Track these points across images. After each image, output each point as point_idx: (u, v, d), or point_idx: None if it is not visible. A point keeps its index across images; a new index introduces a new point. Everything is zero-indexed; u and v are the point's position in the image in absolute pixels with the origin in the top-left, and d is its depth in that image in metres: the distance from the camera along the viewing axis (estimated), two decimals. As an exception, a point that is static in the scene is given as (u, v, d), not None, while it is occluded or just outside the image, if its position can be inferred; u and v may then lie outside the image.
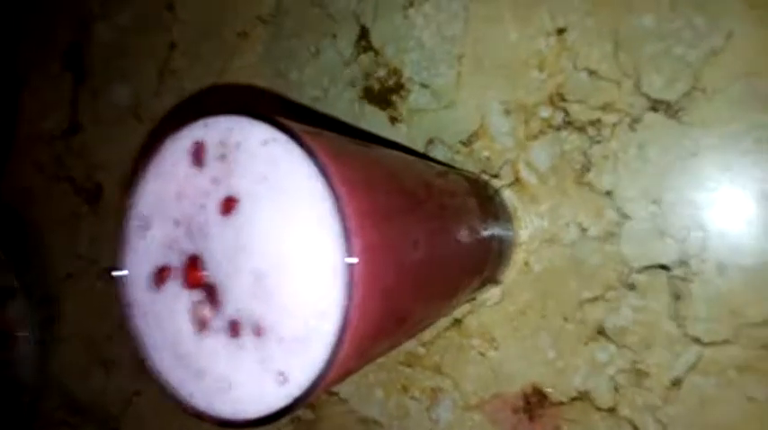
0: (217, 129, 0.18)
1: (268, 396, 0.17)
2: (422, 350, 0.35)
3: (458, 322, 0.34)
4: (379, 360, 0.35)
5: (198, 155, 0.19)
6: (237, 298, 0.18)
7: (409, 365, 0.35)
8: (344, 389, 0.37)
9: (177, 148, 0.19)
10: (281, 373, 0.17)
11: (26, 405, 0.50)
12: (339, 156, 0.17)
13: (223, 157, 0.18)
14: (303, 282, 0.17)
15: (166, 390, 0.19)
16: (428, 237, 0.21)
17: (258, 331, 0.17)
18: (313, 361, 0.16)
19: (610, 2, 0.29)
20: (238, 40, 0.41)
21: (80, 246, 0.49)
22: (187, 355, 0.19)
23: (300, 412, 0.39)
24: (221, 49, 0.42)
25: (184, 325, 0.19)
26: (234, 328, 0.18)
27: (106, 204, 0.48)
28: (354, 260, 0.16)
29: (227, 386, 0.18)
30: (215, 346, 0.18)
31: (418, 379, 0.35)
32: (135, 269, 0.20)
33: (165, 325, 0.19)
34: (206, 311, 0.18)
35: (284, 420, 0.38)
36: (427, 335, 0.34)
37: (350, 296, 0.16)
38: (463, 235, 0.25)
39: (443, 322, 0.34)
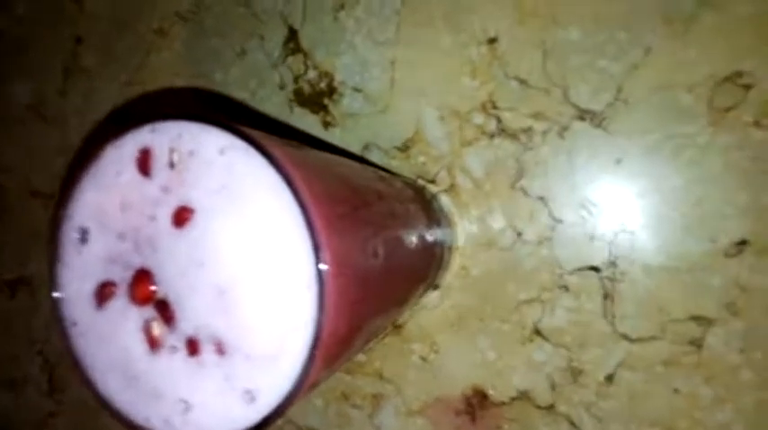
0: (166, 135, 0.17)
1: (234, 416, 0.16)
2: (362, 357, 0.34)
3: (398, 327, 0.34)
4: (316, 369, 0.35)
5: (144, 163, 0.17)
6: (195, 314, 0.17)
7: (349, 372, 0.35)
8: (279, 400, 0.36)
9: (121, 155, 0.17)
10: (248, 392, 0.16)
11: None
12: (302, 166, 0.17)
13: (173, 166, 0.17)
14: (271, 297, 0.16)
15: (118, 415, 0.17)
16: (385, 245, 0.21)
17: (221, 349, 0.16)
18: (284, 377, 0.16)
19: (538, 13, 0.30)
20: (155, 37, 0.39)
21: (-25, 259, 0.45)
22: (139, 376, 0.17)
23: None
24: (135, 46, 0.40)
25: (135, 344, 0.17)
26: (192, 346, 0.17)
27: (10, 210, 0.44)
28: (326, 271, 0.15)
29: (186, 407, 0.17)
30: (171, 366, 0.17)
31: (359, 386, 0.35)
32: (73, 286, 0.18)
33: (112, 345, 0.18)
34: (159, 329, 0.17)
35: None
36: (365, 341, 0.34)
37: (322, 309, 0.15)
38: (412, 241, 0.25)
39: (381, 328, 0.34)
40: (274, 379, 0.16)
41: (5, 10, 0.43)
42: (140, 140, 0.17)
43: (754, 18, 0.27)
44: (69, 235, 0.18)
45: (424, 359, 0.33)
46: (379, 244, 0.20)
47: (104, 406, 0.18)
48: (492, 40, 0.31)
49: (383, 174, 0.27)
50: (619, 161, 0.30)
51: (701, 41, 0.28)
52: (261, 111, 0.36)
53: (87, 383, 0.18)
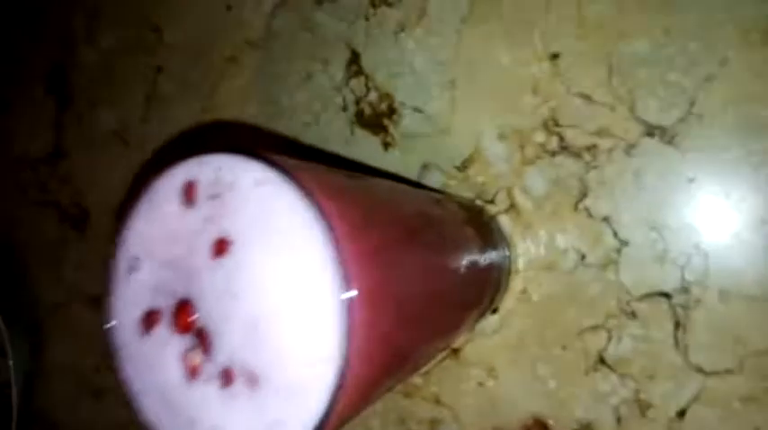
0: (210, 167, 0.18)
1: (263, 448, 0.16)
2: (419, 380, 0.34)
3: (456, 351, 0.33)
4: (375, 390, 0.35)
5: (189, 194, 0.18)
6: (230, 344, 0.17)
7: (406, 395, 0.34)
8: (339, 420, 0.36)
9: (168, 187, 0.18)
10: (278, 422, 0.16)
11: (10, 438, 0.49)
12: (336, 196, 0.17)
13: (215, 197, 0.17)
14: (299, 329, 0.16)
15: (157, 441, 0.18)
16: (428, 272, 0.21)
17: (252, 380, 0.17)
18: (310, 410, 0.16)
19: (602, 27, 0.29)
20: (227, 65, 0.41)
21: (66, 274, 0.48)
22: (177, 404, 0.18)
23: (294, 444, 0.38)
24: (209, 74, 0.42)
25: (174, 372, 0.18)
26: (227, 376, 0.17)
27: (93, 230, 0.47)
28: (353, 303, 0.15)
29: (219, 436, 0.17)
30: (206, 395, 0.17)
31: (416, 410, 0.34)
32: (123, 312, 0.19)
33: (155, 371, 0.18)
34: (197, 358, 0.18)
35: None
36: (424, 364, 0.34)
37: (349, 342, 0.15)
38: (463, 266, 0.24)
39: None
40: (302, 411, 0.16)
41: (92, 43, 0.46)
42: (187, 172, 0.18)
43: None
44: (122, 262, 0.19)
45: (481, 385, 0.32)
46: (423, 273, 0.20)
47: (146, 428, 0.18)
48: (554, 56, 0.30)
49: (436, 196, 0.27)
50: (692, 180, 0.28)
51: (784, 50, 0.26)
52: (320, 140, 0.36)
53: (133, 405, 0.19)
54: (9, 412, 0.49)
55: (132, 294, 0.19)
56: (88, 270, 0.47)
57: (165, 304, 0.18)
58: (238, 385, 0.17)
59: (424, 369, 0.34)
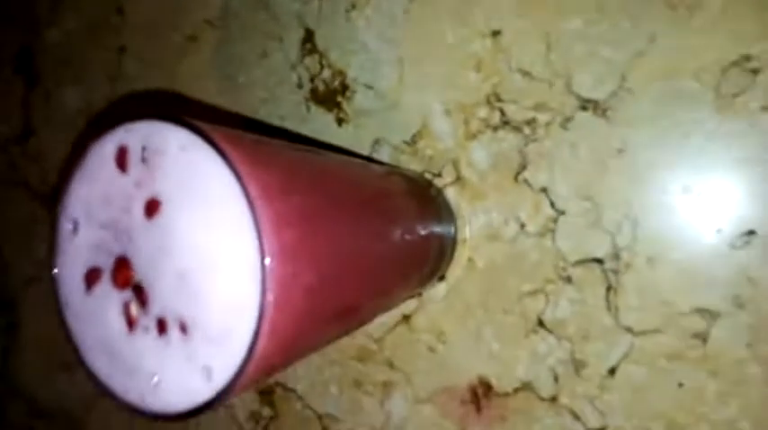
0: (138, 134, 0.19)
1: (195, 391, 0.18)
2: (374, 346, 0.35)
3: (407, 318, 0.34)
4: (333, 356, 0.36)
5: (122, 159, 0.19)
6: (163, 297, 0.18)
7: (361, 360, 0.36)
8: (300, 386, 0.38)
9: (103, 153, 0.19)
10: (207, 368, 0.18)
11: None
12: (255, 161, 0.18)
13: (145, 161, 0.19)
14: (223, 281, 0.17)
15: (103, 388, 0.19)
16: (357, 235, 0.22)
17: (184, 328, 0.18)
18: (234, 356, 0.17)
19: (541, 4, 0.30)
20: (188, 44, 0.41)
21: (37, 250, 0.49)
22: (119, 354, 0.19)
23: (260, 409, 0.40)
24: (170, 53, 0.42)
25: (116, 324, 0.19)
26: (161, 326, 0.18)
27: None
28: (268, 258, 0.17)
29: (156, 382, 0.18)
30: (145, 344, 0.19)
31: (370, 373, 0.36)
32: (67, 271, 0.20)
33: (98, 325, 0.20)
34: (135, 311, 0.19)
35: (242, 417, 0.39)
36: (378, 331, 0.35)
37: (265, 293, 0.17)
38: (397, 234, 0.25)
39: (393, 319, 0.35)
40: (227, 357, 0.17)
41: (57, 25, 0.47)
42: (119, 139, 0.19)
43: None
44: (64, 225, 0.20)
45: (431, 349, 0.34)
46: (350, 236, 0.21)
47: (92, 379, 0.20)
48: (496, 33, 0.32)
49: (376, 168, 0.28)
50: (622, 151, 0.29)
51: (707, 26, 0.27)
52: (275, 116, 0.37)
53: (80, 360, 0.20)
54: (-16, 387, 0.50)
55: (75, 254, 0.20)
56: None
57: (105, 262, 0.19)
58: (172, 333, 0.18)
59: (378, 334, 0.35)
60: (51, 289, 0.21)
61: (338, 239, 0.21)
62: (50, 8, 0.48)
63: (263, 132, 0.33)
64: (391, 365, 0.35)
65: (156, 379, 0.19)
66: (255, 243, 0.17)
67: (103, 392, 0.20)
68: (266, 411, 0.39)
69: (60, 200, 0.20)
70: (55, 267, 0.21)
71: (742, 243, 0.27)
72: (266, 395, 0.39)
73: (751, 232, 0.27)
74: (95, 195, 0.20)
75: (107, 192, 0.19)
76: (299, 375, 0.38)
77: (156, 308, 0.18)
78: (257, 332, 0.17)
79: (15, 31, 0.50)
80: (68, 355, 0.48)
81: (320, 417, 0.37)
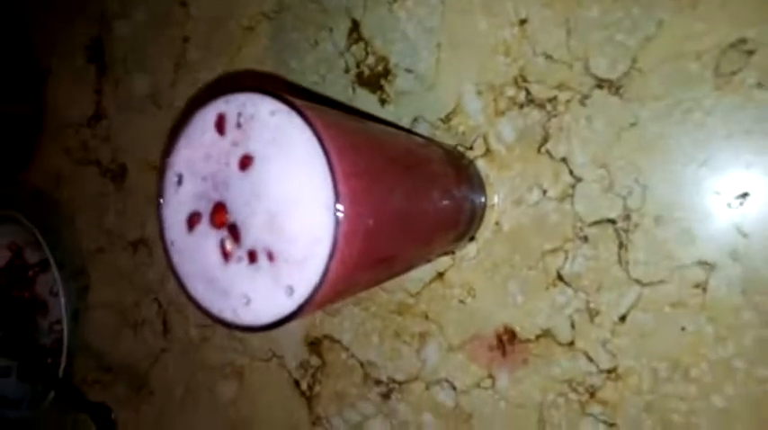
0: (235, 103, 0.24)
1: (280, 305, 0.23)
2: (411, 300, 0.40)
3: (441, 275, 0.39)
4: (374, 309, 0.41)
5: (220, 124, 0.24)
6: (254, 233, 0.23)
7: (400, 314, 0.41)
8: (345, 337, 0.43)
9: (204, 119, 0.24)
10: (289, 287, 0.22)
11: (62, 367, 0.56)
12: (331, 125, 0.23)
13: (240, 126, 0.24)
14: (305, 219, 0.22)
15: (202, 309, 0.24)
16: (404, 191, 0.27)
17: (271, 256, 0.23)
18: (312, 276, 0.22)
19: (563, -4, 0.34)
20: (245, 34, 0.46)
21: (107, 222, 0.55)
22: (216, 280, 0.24)
23: (309, 358, 0.45)
24: (230, 42, 0.47)
25: (213, 257, 0.24)
26: (252, 256, 0.23)
27: (130, 183, 0.53)
28: (339, 203, 0.21)
29: (248, 301, 0.23)
30: (238, 271, 0.23)
31: (408, 325, 0.40)
32: (172, 216, 0.25)
33: (198, 258, 0.25)
34: (229, 245, 0.24)
35: (292, 366, 0.44)
36: (415, 286, 0.40)
37: (338, 227, 0.21)
38: (436, 194, 0.30)
39: (428, 275, 0.39)
40: (306, 277, 0.22)
41: (127, 18, 0.52)
42: (218, 108, 0.24)
43: (756, -11, 0.30)
44: (170, 179, 0.25)
45: (462, 302, 0.38)
46: (398, 189, 0.26)
47: (193, 302, 0.25)
48: (522, 22, 0.36)
49: (418, 139, 0.33)
50: (633, 124, 0.33)
51: (708, 13, 0.31)
52: (327, 96, 0.42)
53: (183, 289, 0.25)
54: (61, 345, 0.56)
55: (179, 202, 0.25)
56: (126, 218, 0.54)
57: (205, 207, 0.24)
58: (261, 261, 0.23)
59: (415, 290, 0.40)
60: (158, 231, 0.26)
61: (390, 192, 0.25)
62: (120, 2, 0.54)
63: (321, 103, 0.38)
64: (426, 317, 0.40)
65: (246, 298, 0.23)
66: (330, 189, 0.21)
67: (202, 312, 0.24)
68: (314, 360, 0.44)
69: (167, 158, 0.25)
70: (160, 214, 0.26)
71: (737, 203, 0.31)
72: (314, 345, 0.44)
73: (745, 194, 0.31)
74: (197, 154, 0.24)
75: (207, 151, 0.24)
76: (345, 327, 0.43)
77: (247, 242, 0.23)
78: (330, 257, 0.21)
79: (88, 23, 0.55)
80: (134, 316, 0.54)
81: (362, 365, 0.42)
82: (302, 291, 0.22)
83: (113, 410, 0.54)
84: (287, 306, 0.22)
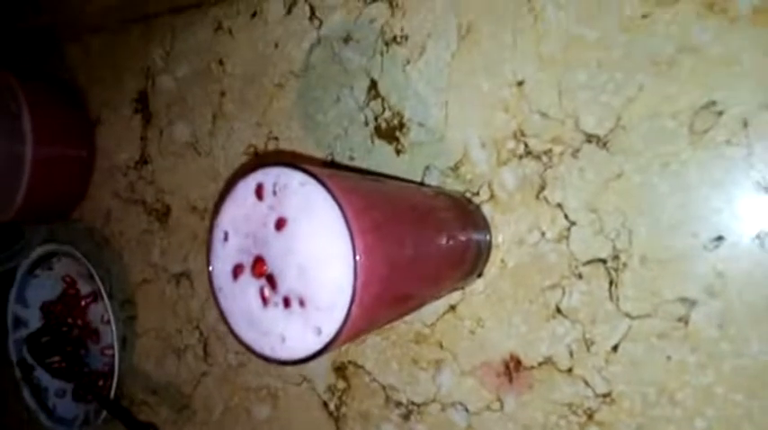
0: (271, 175, 0.29)
1: (310, 343, 0.27)
2: (427, 330, 0.45)
3: (453, 308, 0.43)
4: (394, 338, 0.45)
5: (259, 191, 0.29)
6: (288, 282, 0.28)
7: (417, 342, 0.45)
8: (368, 363, 0.47)
9: (246, 187, 0.29)
10: (317, 328, 0.27)
11: (113, 389, 0.61)
12: (348, 191, 0.27)
13: (275, 193, 0.28)
14: (329, 271, 0.27)
15: (245, 345, 0.29)
16: (414, 239, 0.31)
17: (302, 303, 0.27)
18: (336, 319, 0.26)
19: (555, 62, 0.39)
20: (276, 90, 0.52)
21: (153, 257, 0.61)
22: (256, 321, 0.29)
23: (336, 382, 0.49)
24: (262, 96, 0.53)
25: (254, 302, 0.29)
26: (286, 302, 0.28)
27: (173, 221, 0.59)
28: (357, 256, 0.26)
29: (283, 339, 0.28)
30: (275, 315, 0.28)
31: (424, 353, 0.45)
32: (220, 266, 0.30)
33: (241, 303, 0.29)
34: (267, 292, 0.29)
35: (320, 389, 0.48)
36: (430, 318, 0.44)
37: (356, 278, 0.26)
38: (444, 238, 0.35)
39: (442, 308, 0.44)
40: (332, 320, 0.27)
41: (171, 73, 0.59)
42: (257, 178, 0.29)
43: (723, 57, 0.34)
44: (218, 235, 0.30)
45: (472, 332, 0.42)
46: (408, 239, 0.31)
47: (237, 340, 0.29)
48: (520, 83, 0.40)
49: (426, 189, 0.37)
50: (619, 175, 0.37)
51: (682, 78, 0.35)
52: (347, 154, 0.47)
53: (229, 328, 0.30)
54: (111, 368, 0.62)
55: (225, 255, 0.30)
56: (170, 253, 0.60)
57: (247, 260, 0.29)
58: (294, 306, 0.28)
59: (430, 321, 0.44)
60: (208, 280, 0.31)
61: (402, 241, 0.30)
62: (164, 58, 0.60)
63: (341, 167, 0.43)
64: (441, 346, 0.44)
65: (282, 338, 0.28)
66: (349, 245, 0.26)
67: (246, 348, 0.29)
68: (341, 384, 0.49)
69: (215, 218, 0.30)
70: (210, 265, 0.31)
71: (713, 246, 0.35)
72: (340, 370, 0.49)
73: (719, 237, 0.35)
74: (240, 215, 0.30)
75: (248, 213, 0.29)
76: (368, 355, 0.47)
77: (282, 290, 0.28)
78: (351, 303, 0.26)
79: (136, 78, 0.62)
80: (177, 343, 0.60)
81: (384, 388, 0.47)
82: (329, 332, 0.27)
83: (160, 428, 0.59)
84: (316, 344, 0.27)
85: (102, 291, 0.62)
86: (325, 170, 0.29)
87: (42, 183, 0.61)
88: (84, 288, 0.67)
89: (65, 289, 0.68)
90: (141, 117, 0.62)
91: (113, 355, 0.61)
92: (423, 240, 0.33)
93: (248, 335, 0.29)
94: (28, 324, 0.69)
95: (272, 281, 0.28)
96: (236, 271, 0.30)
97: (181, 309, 0.59)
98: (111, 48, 0.64)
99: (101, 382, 0.64)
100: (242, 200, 0.30)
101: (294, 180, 0.28)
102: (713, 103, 0.34)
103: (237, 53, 0.54)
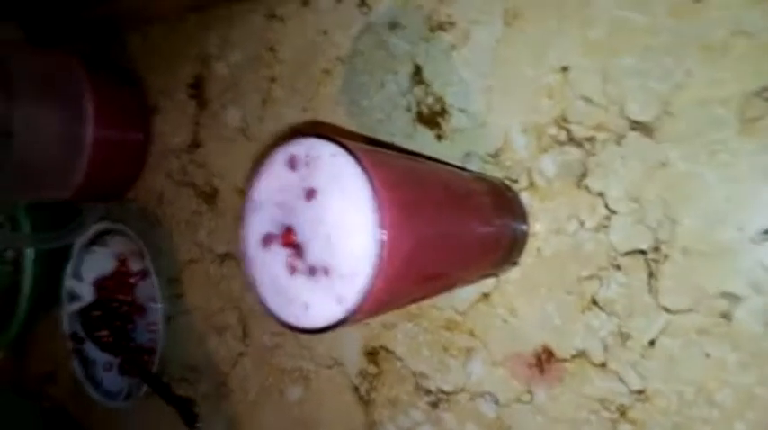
0: (304, 146, 0.29)
1: (332, 312, 0.28)
2: (459, 317, 0.44)
3: (486, 295, 0.43)
4: (425, 324, 0.45)
5: (292, 162, 0.29)
6: (315, 252, 0.28)
7: (448, 329, 0.45)
8: (399, 348, 0.47)
9: (279, 158, 0.30)
10: (340, 297, 0.27)
11: (156, 365, 0.63)
12: (378, 164, 0.28)
13: (307, 164, 0.29)
14: (354, 241, 0.27)
15: (270, 313, 0.30)
16: (444, 221, 0.31)
17: (327, 272, 0.28)
18: (359, 289, 0.27)
19: (600, 46, 0.38)
20: (323, 76, 0.53)
21: (200, 237, 0.63)
22: (283, 290, 0.29)
23: (367, 367, 0.49)
24: (310, 83, 0.54)
25: (282, 270, 0.29)
26: (312, 271, 0.28)
27: (221, 204, 0.61)
28: (383, 228, 0.26)
29: (307, 307, 0.29)
30: (300, 282, 0.29)
31: (455, 340, 0.44)
32: (251, 235, 0.31)
33: (269, 271, 0.30)
34: (295, 261, 0.29)
35: (352, 373, 0.49)
36: (462, 305, 0.44)
37: (379, 250, 0.26)
38: (476, 223, 0.34)
39: (475, 295, 0.43)
40: (354, 289, 0.27)
41: (223, 59, 0.60)
42: (290, 149, 0.30)
43: (778, 43, 0.33)
44: (251, 205, 0.31)
45: (505, 321, 0.42)
46: (440, 220, 0.31)
47: (264, 307, 0.30)
48: (564, 69, 0.40)
49: (465, 174, 0.37)
50: (664, 164, 0.36)
51: (733, 63, 0.34)
52: (390, 135, 0.47)
53: (256, 295, 0.31)
54: (155, 344, 0.64)
55: (257, 224, 0.31)
56: (217, 234, 0.61)
57: (277, 230, 0.30)
58: (319, 275, 0.28)
59: (462, 308, 0.44)
60: (239, 247, 0.31)
61: (430, 220, 0.30)
62: (218, 46, 0.61)
63: (383, 146, 0.43)
64: (472, 334, 0.43)
65: (306, 305, 0.29)
66: (375, 218, 0.26)
67: (271, 315, 0.30)
68: (372, 369, 0.49)
69: (250, 188, 0.31)
70: (243, 233, 0.31)
71: (760, 239, 0.33)
72: (372, 355, 0.49)
73: (767, 231, 0.33)
74: (273, 185, 0.30)
75: (281, 183, 0.30)
76: (399, 339, 0.47)
77: (309, 259, 0.29)
78: (373, 274, 0.26)
79: (191, 64, 0.64)
80: (219, 321, 0.61)
81: (414, 375, 0.47)
82: (350, 301, 0.27)
83: (198, 404, 0.61)
84: (337, 313, 0.27)
85: (152, 268, 0.64)
86: (360, 144, 0.29)
87: (101, 164, 0.64)
88: (135, 265, 0.70)
89: (117, 266, 0.71)
90: (196, 103, 0.64)
91: (158, 332, 0.63)
92: (454, 222, 0.32)
93: (274, 303, 0.30)
94: (81, 298, 0.72)
95: (299, 250, 0.29)
96: (267, 240, 0.30)
97: (223, 289, 0.61)
98: (170, 36, 0.66)
99: (145, 357, 0.66)
100: (275, 170, 0.30)
101: (325, 151, 0.28)
102: (765, 89, 0.33)
103: (288, 40, 0.56)
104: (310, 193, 0.29)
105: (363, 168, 0.27)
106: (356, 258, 0.27)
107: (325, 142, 0.28)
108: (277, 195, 0.30)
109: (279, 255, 0.30)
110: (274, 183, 0.30)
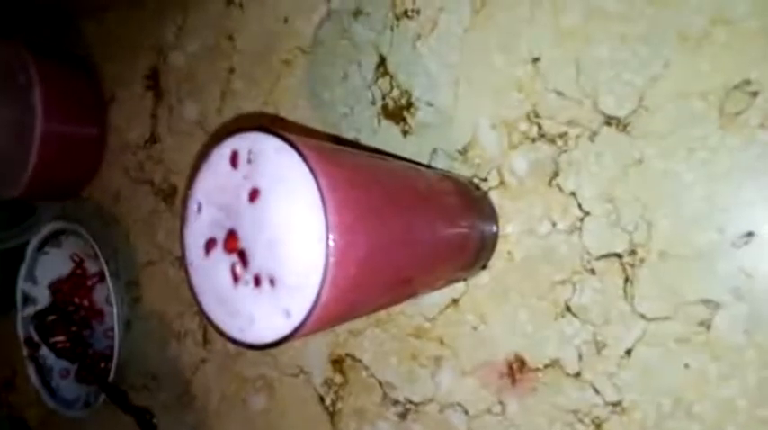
0: (247, 141, 0.26)
1: (278, 327, 0.25)
2: (427, 324, 0.42)
3: (455, 301, 0.40)
4: (393, 331, 0.43)
5: (234, 159, 0.27)
6: (259, 259, 0.25)
7: (417, 337, 0.42)
8: (366, 356, 0.45)
9: (220, 155, 0.27)
10: (287, 310, 0.25)
11: (113, 372, 0.60)
12: (327, 161, 0.25)
13: (250, 161, 0.26)
14: (301, 248, 0.24)
15: (213, 325, 0.27)
16: (404, 223, 0.29)
17: (272, 282, 0.25)
18: (306, 301, 0.24)
19: (573, 36, 0.36)
20: (283, 67, 0.50)
21: (158, 238, 0.59)
22: (227, 300, 0.27)
23: (333, 376, 0.47)
24: (270, 74, 0.51)
25: (225, 279, 0.27)
26: (257, 280, 0.26)
27: (180, 202, 0.58)
28: (331, 232, 0.23)
29: (252, 321, 0.26)
30: (245, 293, 0.26)
31: (424, 348, 0.42)
32: (192, 240, 0.28)
33: (212, 279, 0.27)
34: (239, 269, 0.26)
35: (317, 382, 0.46)
36: (431, 312, 0.41)
37: (328, 257, 0.23)
38: (440, 224, 0.32)
39: (444, 301, 0.41)
40: (302, 302, 0.24)
41: (181, 49, 0.57)
42: (232, 144, 0.27)
43: (761, 31, 0.30)
44: (191, 207, 0.28)
45: (475, 328, 0.39)
46: (395, 221, 0.28)
47: (206, 319, 0.27)
48: (535, 60, 0.37)
49: (430, 173, 0.35)
50: (639, 161, 0.34)
51: (713, 54, 0.32)
52: (353, 129, 0.45)
53: (198, 305, 0.28)
54: (112, 351, 0.61)
55: (198, 228, 0.28)
56: (176, 235, 0.58)
57: (219, 234, 0.27)
58: (264, 285, 0.25)
59: (431, 315, 0.41)
60: (180, 252, 0.29)
61: (387, 223, 0.27)
62: (175, 35, 0.58)
63: (344, 144, 0.41)
64: (441, 342, 0.41)
65: (251, 319, 0.26)
66: (323, 221, 0.24)
67: (214, 328, 0.27)
68: (338, 378, 0.46)
69: (189, 188, 0.28)
70: (182, 238, 0.28)
71: (741, 242, 0.31)
72: (337, 363, 0.46)
73: (749, 233, 0.31)
74: (214, 185, 0.27)
75: (222, 183, 0.27)
76: (366, 347, 0.45)
77: (253, 267, 0.26)
78: (322, 285, 0.24)
79: (147, 55, 0.60)
80: (179, 327, 0.58)
81: (381, 384, 0.44)
82: (298, 315, 0.24)
83: (155, 415, 0.58)
84: (284, 327, 0.25)
85: (106, 270, 0.60)
86: (309, 139, 0.26)
87: (52, 159, 0.60)
88: (92, 267, 0.66)
89: (73, 268, 0.67)
90: (153, 94, 0.61)
91: (115, 337, 0.60)
92: (416, 224, 0.30)
93: (218, 314, 0.27)
94: (36, 301, 0.68)
95: (243, 257, 0.26)
96: (209, 245, 0.27)
97: (184, 293, 0.57)
98: (126, 23, 0.63)
99: (102, 364, 0.63)
100: (216, 168, 0.27)
101: (269, 146, 0.25)
102: (747, 82, 0.31)
103: (247, 28, 0.52)
104: (253, 194, 0.26)
105: (311, 165, 0.24)
106: (303, 267, 0.24)
107: (268, 136, 0.26)
108: (219, 196, 0.27)
109: (222, 262, 0.27)
110: (215, 182, 0.27)
